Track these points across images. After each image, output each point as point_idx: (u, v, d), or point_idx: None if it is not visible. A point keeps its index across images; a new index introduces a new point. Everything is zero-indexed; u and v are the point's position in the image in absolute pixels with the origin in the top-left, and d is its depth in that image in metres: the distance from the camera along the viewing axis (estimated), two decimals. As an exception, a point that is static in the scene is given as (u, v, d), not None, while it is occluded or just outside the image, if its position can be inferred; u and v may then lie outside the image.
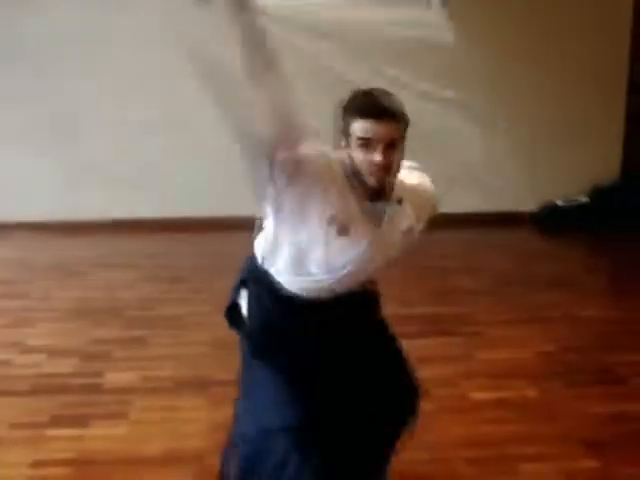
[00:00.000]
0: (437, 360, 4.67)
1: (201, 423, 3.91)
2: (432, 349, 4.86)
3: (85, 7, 7.83)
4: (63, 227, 8.07)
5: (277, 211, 2.41)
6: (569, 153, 8.48)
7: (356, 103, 2.37)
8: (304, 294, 2.56)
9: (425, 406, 4.05)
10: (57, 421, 3.95)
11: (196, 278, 6.20)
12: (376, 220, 2.47)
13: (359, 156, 2.34)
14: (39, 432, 3.84)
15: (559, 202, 8.48)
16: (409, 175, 2.64)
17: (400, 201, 2.52)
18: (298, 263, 2.48)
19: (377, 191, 2.42)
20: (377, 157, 2.30)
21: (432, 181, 2.85)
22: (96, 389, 4.33)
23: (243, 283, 2.68)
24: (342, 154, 2.41)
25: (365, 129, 2.31)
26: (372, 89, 2.39)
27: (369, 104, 2.34)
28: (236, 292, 2.71)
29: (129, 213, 8.13)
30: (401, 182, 2.53)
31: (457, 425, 3.89)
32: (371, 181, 2.37)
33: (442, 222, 7.98)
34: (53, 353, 4.85)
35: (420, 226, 2.70)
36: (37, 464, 3.52)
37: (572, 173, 8.51)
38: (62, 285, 6.31)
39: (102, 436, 3.80)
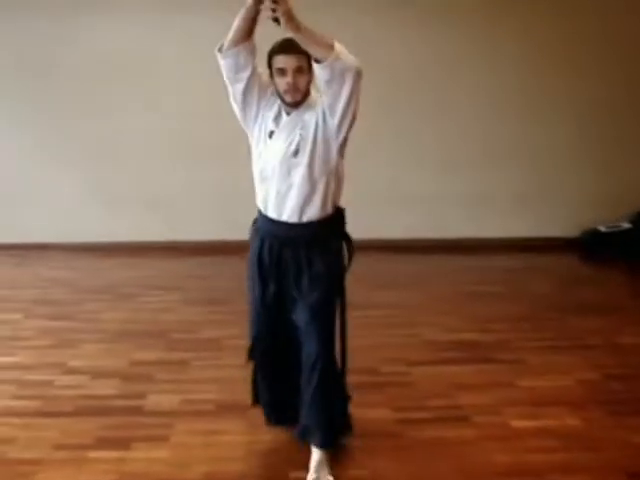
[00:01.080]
0: (478, 387, 4.66)
1: (242, 447, 3.94)
2: (473, 376, 4.84)
3: (130, 30, 7.95)
4: (107, 248, 8.18)
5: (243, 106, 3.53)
6: (611, 179, 8.41)
7: (275, 46, 3.36)
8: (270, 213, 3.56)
9: (467, 433, 4.08)
10: (100, 443, 3.99)
11: (237, 300, 6.20)
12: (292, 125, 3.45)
13: (278, 82, 3.36)
14: (82, 454, 3.89)
15: (601, 228, 8.40)
16: None
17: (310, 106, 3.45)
18: (256, 166, 3.57)
19: (294, 105, 3.41)
20: (288, 79, 3.32)
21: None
22: (138, 411, 4.36)
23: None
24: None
25: (279, 60, 3.32)
26: (285, 37, 3.22)
27: (282, 44, 3.33)
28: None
29: (171, 235, 8.21)
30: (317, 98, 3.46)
31: (499, 453, 3.87)
32: (287, 98, 3.38)
33: (484, 247, 7.99)
34: (96, 374, 4.90)
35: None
36: (80, 486, 3.56)
37: (614, 199, 8.43)
38: (106, 307, 6.35)
39: (144, 459, 3.84)
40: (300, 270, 3.54)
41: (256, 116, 3.49)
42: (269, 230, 3.58)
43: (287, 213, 3.48)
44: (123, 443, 3.98)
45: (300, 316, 3.56)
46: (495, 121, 8.29)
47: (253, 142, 3.55)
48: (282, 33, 3.14)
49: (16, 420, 4.25)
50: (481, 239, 8.33)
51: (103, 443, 3.99)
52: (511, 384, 4.74)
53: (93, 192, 8.24)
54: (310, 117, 3.40)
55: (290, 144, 3.39)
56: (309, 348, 3.56)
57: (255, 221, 3.73)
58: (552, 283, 7.16)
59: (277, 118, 3.46)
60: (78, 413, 4.35)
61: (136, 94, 8.05)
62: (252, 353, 3.80)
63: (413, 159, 8.29)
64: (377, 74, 7.99)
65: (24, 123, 8.18)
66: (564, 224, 8.39)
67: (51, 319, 6.06)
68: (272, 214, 3.53)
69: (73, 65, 7.99)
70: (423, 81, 8.18)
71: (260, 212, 3.63)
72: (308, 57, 3.24)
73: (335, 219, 3.60)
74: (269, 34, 3.27)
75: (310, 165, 3.40)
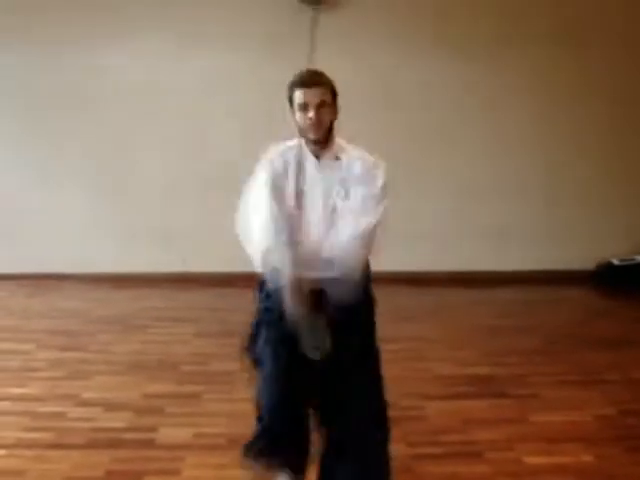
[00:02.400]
0: (491, 422, 4.63)
1: (253, 482, 3.91)
2: (487, 411, 4.81)
3: (146, 63, 8.03)
4: (120, 280, 8.19)
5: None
6: (625, 212, 8.43)
7: (295, 78, 3.20)
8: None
9: (480, 469, 4.04)
10: (111, 476, 3.97)
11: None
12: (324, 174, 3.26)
13: (299, 117, 3.18)
14: (93, 487, 3.87)
15: (615, 261, 8.38)
16: (363, 152, 3.36)
17: (338, 158, 3.27)
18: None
19: (319, 143, 3.22)
20: (310, 114, 3.13)
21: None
22: (150, 444, 4.34)
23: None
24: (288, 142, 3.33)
25: (301, 95, 3.15)
26: (307, 68, 3.23)
27: (303, 77, 3.19)
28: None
29: (182, 267, 8.23)
30: (345, 147, 3.31)
31: (513, 490, 3.83)
32: (310, 135, 3.19)
33: (498, 281, 7.96)
34: (108, 407, 4.88)
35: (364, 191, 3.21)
36: (91, 520, 3.54)
37: (628, 232, 8.43)
38: (119, 338, 6.35)
39: (155, 493, 3.82)
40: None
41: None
42: None
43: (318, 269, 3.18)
44: (135, 476, 3.95)
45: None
46: (510, 155, 8.32)
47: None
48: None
49: (27, 452, 4.22)
50: (495, 272, 8.31)
51: (115, 476, 3.96)
52: (525, 419, 4.70)
53: (107, 223, 8.28)
54: (338, 171, 3.24)
55: (329, 198, 3.22)
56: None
57: (262, 284, 3.35)
58: (567, 316, 7.13)
59: (301, 173, 3.26)
60: (90, 446, 4.32)
61: (151, 127, 8.12)
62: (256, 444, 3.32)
63: (429, 192, 8.31)
64: (389, 108, 8.09)
65: (39, 155, 8.24)
66: (578, 257, 8.37)
67: (63, 350, 6.05)
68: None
69: (88, 98, 8.07)
70: (436, 114, 8.21)
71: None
72: (332, 89, 3.19)
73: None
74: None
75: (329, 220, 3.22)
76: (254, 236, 3.17)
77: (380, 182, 3.22)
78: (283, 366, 3.15)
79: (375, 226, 3.16)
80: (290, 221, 3.20)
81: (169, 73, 8.07)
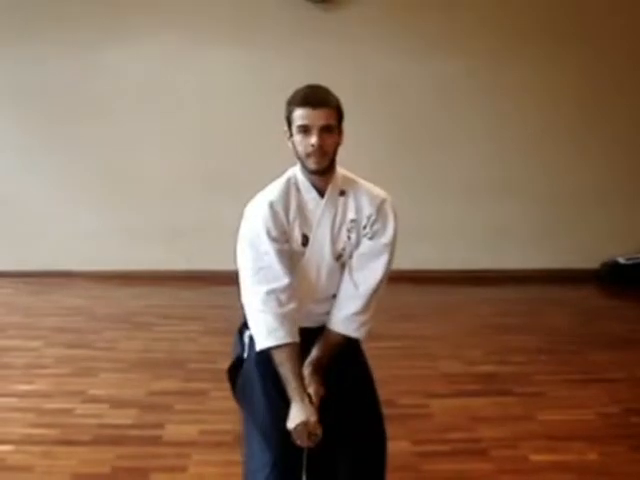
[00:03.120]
0: (496, 420, 4.64)
1: (259, 478, 3.92)
2: (492, 409, 4.82)
3: (151, 62, 8.07)
4: (126, 277, 8.22)
5: None
6: (630, 210, 8.42)
7: (296, 96, 2.68)
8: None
9: (485, 467, 4.05)
10: (117, 473, 3.99)
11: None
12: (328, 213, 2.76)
13: (299, 141, 2.65)
14: (100, 483, 3.89)
15: (621, 260, 8.38)
16: (366, 183, 2.86)
17: (343, 193, 2.78)
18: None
19: (320, 173, 2.70)
20: (313, 139, 2.61)
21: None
22: (156, 441, 4.36)
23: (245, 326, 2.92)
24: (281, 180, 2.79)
25: (303, 116, 2.62)
26: (310, 84, 2.72)
27: (306, 94, 2.67)
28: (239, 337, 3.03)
29: (189, 265, 8.25)
30: (347, 178, 2.82)
31: (517, 488, 3.85)
32: (310, 164, 2.66)
33: (503, 279, 7.98)
34: (115, 404, 4.90)
35: (380, 241, 2.80)
36: (97, 515, 3.57)
37: (634, 230, 8.43)
38: (125, 336, 6.37)
39: (162, 489, 3.84)
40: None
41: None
42: None
43: (314, 320, 2.88)
44: (141, 473, 3.97)
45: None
46: (513, 153, 8.32)
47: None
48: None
49: (34, 448, 4.25)
50: (500, 271, 8.31)
51: (121, 473, 3.99)
52: (530, 417, 4.71)
53: (113, 221, 8.31)
54: (346, 211, 2.78)
55: (336, 243, 2.78)
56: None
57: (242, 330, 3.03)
58: (571, 315, 7.13)
59: (303, 217, 2.76)
60: (96, 442, 4.35)
61: (156, 125, 8.15)
62: None
63: (432, 191, 8.32)
64: (396, 106, 8.10)
65: (46, 155, 8.28)
66: (583, 256, 8.37)
67: (70, 347, 6.08)
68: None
69: (92, 98, 8.10)
70: (441, 113, 8.22)
71: None
72: (339, 110, 2.69)
73: None
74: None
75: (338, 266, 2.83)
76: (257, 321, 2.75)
77: (391, 228, 2.81)
78: (282, 416, 2.67)
79: (382, 282, 2.84)
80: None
81: (173, 73, 8.09)
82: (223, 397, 4.94)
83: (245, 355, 2.97)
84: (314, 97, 2.65)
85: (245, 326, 2.92)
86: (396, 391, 5.08)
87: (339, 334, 2.85)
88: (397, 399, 4.96)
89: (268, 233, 2.68)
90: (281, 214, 2.71)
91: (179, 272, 8.24)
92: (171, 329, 6.59)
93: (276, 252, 2.68)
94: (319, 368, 2.78)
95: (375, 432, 2.96)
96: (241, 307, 2.83)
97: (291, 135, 2.70)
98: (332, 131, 2.65)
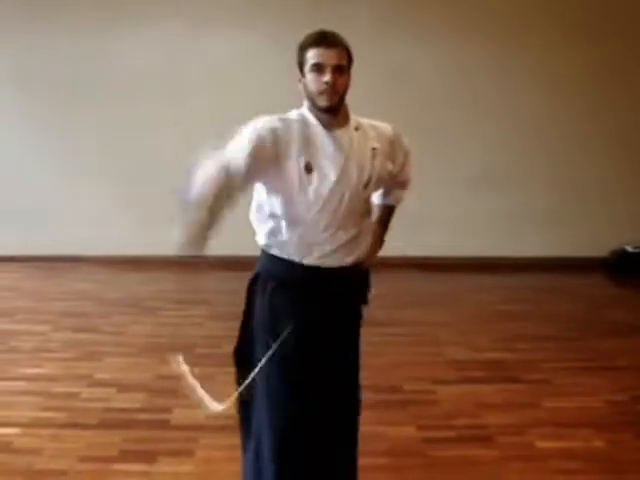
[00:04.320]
0: (503, 407, 4.64)
1: (266, 462, 3.93)
2: (498, 396, 4.83)
3: (161, 47, 8.06)
4: (134, 262, 8.24)
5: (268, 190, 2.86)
6: (639, 199, 8.40)
7: (310, 37, 2.79)
8: (304, 259, 2.86)
9: (491, 453, 4.06)
10: (125, 456, 4.01)
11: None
12: (338, 146, 2.81)
13: (312, 80, 2.74)
14: (107, 466, 3.91)
15: (629, 248, 8.37)
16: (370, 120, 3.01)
17: (357, 128, 2.88)
18: (290, 209, 2.82)
19: (331, 111, 2.77)
20: (326, 77, 2.70)
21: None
22: (163, 425, 4.38)
23: (253, 281, 3.10)
24: (292, 114, 2.86)
25: (317, 55, 2.72)
26: (322, 29, 2.82)
27: (320, 35, 2.78)
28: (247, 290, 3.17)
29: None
30: (356, 118, 2.91)
31: (524, 474, 3.85)
32: (322, 101, 2.74)
33: (510, 267, 7.96)
34: (122, 388, 4.92)
35: (395, 167, 3.07)
36: (105, 498, 3.58)
37: (642, 218, 8.43)
38: (132, 320, 6.40)
39: (169, 472, 3.86)
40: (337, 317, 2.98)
41: (281, 170, 2.78)
42: (301, 278, 2.90)
43: (335, 258, 2.88)
44: (148, 456, 3.99)
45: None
46: (524, 140, 8.30)
47: (277, 190, 2.83)
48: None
49: (42, 431, 4.28)
50: (508, 258, 8.31)
51: (128, 456, 4.01)
52: (536, 404, 4.72)
53: (121, 206, 8.32)
54: (366, 141, 2.87)
55: (362, 170, 2.83)
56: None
57: (256, 277, 3.10)
58: (579, 303, 7.13)
59: (308, 146, 2.78)
60: (104, 425, 4.37)
61: (165, 110, 8.15)
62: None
63: (440, 178, 8.30)
64: (404, 93, 8.09)
65: (54, 139, 8.30)
66: (591, 244, 8.35)
67: (77, 331, 6.11)
68: (309, 260, 2.87)
69: (103, 82, 8.12)
70: (450, 100, 8.21)
71: (277, 258, 2.94)
72: (349, 54, 2.80)
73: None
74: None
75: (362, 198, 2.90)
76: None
77: (404, 143, 3.13)
78: (301, 391, 2.86)
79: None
80: (287, 198, 2.80)
81: (186, 58, 8.10)
82: (229, 381, 4.96)
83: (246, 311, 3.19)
84: (327, 38, 2.76)
85: (254, 280, 3.10)
86: (402, 377, 5.09)
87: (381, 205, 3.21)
88: (403, 385, 4.97)
89: (258, 136, 2.71)
90: (280, 131, 2.75)
91: (186, 257, 8.23)
92: (178, 314, 6.61)
93: (253, 149, 2.70)
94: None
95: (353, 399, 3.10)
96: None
97: (303, 76, 2.79)
98: (343, 72, 2.75)
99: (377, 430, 4.12)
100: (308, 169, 2.76)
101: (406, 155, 3.14)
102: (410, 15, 8.02)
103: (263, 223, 2.95)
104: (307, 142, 2.77)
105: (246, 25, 7.98)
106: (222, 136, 2.81)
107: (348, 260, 2.89)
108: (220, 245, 7.90)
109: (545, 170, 8.36)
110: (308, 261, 2.85)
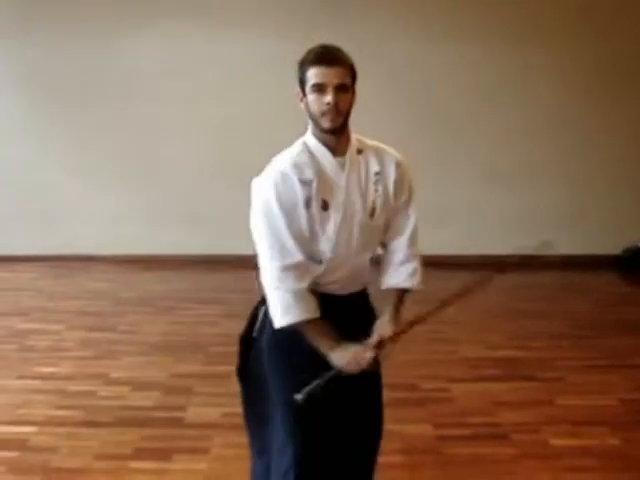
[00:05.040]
0: (518, 405, 4.64)
1: (280, 461, 3.94)
2: (513, 394, 4.82)
3: (174, 48, 8.08)
4: (148, 261, 8.27)
5: None
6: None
7: (310, 55, 2.62)
8: (320, 287, 2.72)
9: (506, 451, 4.05)
10: (140, 454, 4.03)
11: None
12: (346, 173, 2.68)
13: (313, 101, 2.60)
14: (123, 464, 3.93)
15: (643, 245, 8.36)
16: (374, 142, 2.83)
17: (360, 151, 2.73)
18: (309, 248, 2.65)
19: (335, 133, 2.63)
20: (328, 98, 2.56)
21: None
22: (178, 423, 4.40)
23: (263, 302, 2.85)
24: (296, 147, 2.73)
25: (317, 74, 2.57)
26: (323, 44, 2.66)
27: (321, 53, 2.61)
28: (254, 311, 2.96)
29: (211, 249, 8.27)
30: (360, 139, 2.76)
31: (539, 472, 3.85)
32: (325, 122, 2.60)
33: (524, 265, 7.94)
34: (137, 386, 4.95)
35: (402, 198, 2.82)
36: (121, 496, 3.60)
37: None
38: (147, 319, 6.42)
39: (183, 470, 3.89)
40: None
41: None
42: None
43: (355, 283, 2.84)
44: (163, 454, 4.01)
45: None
46: (536, 138, 8.28)
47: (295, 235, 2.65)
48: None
49: (59, 429, 4.31)
50: (521, 256, 8.27)
51: (143, 454, 4.03)
52: (551, 402, 4.71)
53: (136, 206, 8.36)
54: (369, 166, 2.73)
55: (367, 199, 2.72)
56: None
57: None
58: (593, 301, 7.12)
59: (320, 181, 2.65)
60: (119, 424, 4.40)
61: (177, 111, 8.18)
62: None
63: (451, 176, 8.31)
64: (412, 93, 8.09)
65: (68, 139, 8.35)
66: (605, 242, 8.33)
67: (92, 330, 6.14)
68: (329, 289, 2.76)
69: (117, 84, 8.15)
70: (458, 98, 8.21)
71: None
72: (353, 70, 2.64)
73: None
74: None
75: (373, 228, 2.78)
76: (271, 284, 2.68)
77: (409, 175, 2.82)
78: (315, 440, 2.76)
79: (416, 229, 2.94)
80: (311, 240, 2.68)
81: (191, 59, 8.11)
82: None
83: (255, 334, 2.93)
84: (329, 55, 2.60)
85: (262, 302, 2.87)
86: (418, 375, 5.09)
87: (393, 289, 2.92)
88: (419, 383, 4.97)
89: (280, 205, 2.62)
90: (294, 181, 2.63)
91: (200, 256, 8.27)
92: (192, 313, 6.63)
93: (288, 227, 2.61)
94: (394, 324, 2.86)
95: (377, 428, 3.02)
96: (259, 284, 2.80)
97: (304, 96, 2.65)
98: (347, 90, 2.61)
99: (393, 428, 4.10)
100: (325, 207, 2.64)
101: (410, 191, 2.85)
102: (419, 12, 8.01)
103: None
104: (320, 178, 2.64)
105: (260, 27, 7.98)
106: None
107: (357, 288, 2.84)
108: (235, 244, 7.94)
109: (558, 168, 8.34)
110: (322, 290, 2.73)
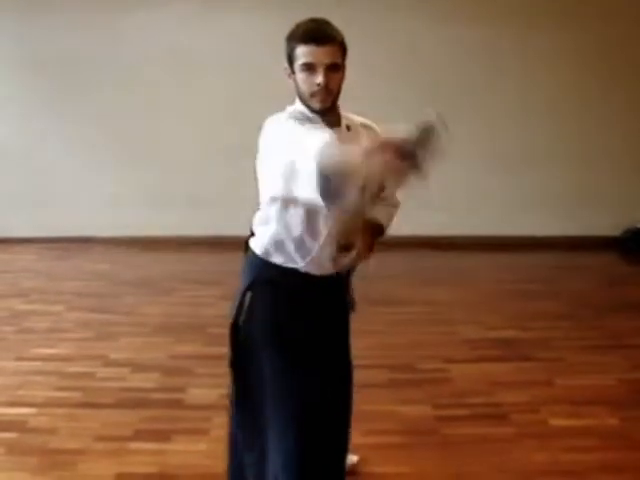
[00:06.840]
0: (517, 385, 4.65)
1: (280, 441, 3.94)
2: (512, 374, 4.83)
3: (176, 29, 8.04)
4: (148, 242, 8.24)
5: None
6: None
7: (299, 31, 2.52)
8: (309, 269, 2.67)
9: (505, 431, 4.06)
10: (140, 435, 4.04)
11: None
12: None
13: (303, 80, 2.50)
14: (122, 445, 3.93)
15: (642, 226, 8.35)
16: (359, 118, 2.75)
17: (349, 128, 2.64)
18: (311, 224, 2.61)
19: (325, 114, 2.54)
20: (319, 79, 2.45)
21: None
22: (178, 404, 4.41)
23: (249, 288, 2.80)
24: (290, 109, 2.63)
25: (307, 53, 2.46)
26: (313, 18, 2.56)
27: (311, 30, 2.50)
28: (241, 298, 2.83)
29: (210, 230, 8.25)
30: (347, 116, 2.68)
31: (538, 452, 3.86)
32: (314, 103, 2.52)
33: (524, 246, 7.93)
34: (136, 367, 4.95)
35: None
36: (120, 477, 3.61)
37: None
38: (146, 300, 6.42)
39: (183, 451, 3.89)
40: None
41: None
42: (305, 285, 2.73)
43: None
44: (163, 435, 4.02)
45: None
46: (539, 119, 8.25)
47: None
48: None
49: (58, 411, 4.31)
50: (522, 237, 8.27)
51: (143, 435, 4.03)
52: (550, 382, 4.72)
53: (135, 187, 8.32)
54: (358, 142, 2.58)
55: None
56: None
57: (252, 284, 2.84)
58: (592, 282, 7.11)
59: None
60: (118, 405, 4.40)
61: (178, 92, 8.12)
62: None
63: (453, 158, 8.26)
64: (419, 75, 8.05)
65: (67, 121, 8.29)
66: (605, 223, 8.31)
67: (92, 312, 6.12)
68: (315, 270, 2.71)
69: (117, 63, 8.09)
70: (465, 82, 8.15)
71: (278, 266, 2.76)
72: (344, 47, 2.53)
73: None
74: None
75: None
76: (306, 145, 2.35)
77: None
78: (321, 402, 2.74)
79: None
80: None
81: (195, 39, 8.05)
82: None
83: (241, 323, 2.85)
84: (319, 33, 2.48)
85: (248, 287, 2.81)
86: (416, 356, 5.09)
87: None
88: (417, 364, 4.97)
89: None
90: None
91: (200, 238, 8.25)
92: (191, 294, 6.62)
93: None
94: None
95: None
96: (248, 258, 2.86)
97: (292, 72, 2.56)
98: (337, 69, 2.50)
99: (392, 409, 4.12)
100: None
101: None
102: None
103: (268, 234, 2.82)
104: None
105: (265, 6, 7.92)
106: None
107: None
108: (234, 226, 7.92)
109: (558, 150, 8.31)
110: (307, 269, 2.69)
